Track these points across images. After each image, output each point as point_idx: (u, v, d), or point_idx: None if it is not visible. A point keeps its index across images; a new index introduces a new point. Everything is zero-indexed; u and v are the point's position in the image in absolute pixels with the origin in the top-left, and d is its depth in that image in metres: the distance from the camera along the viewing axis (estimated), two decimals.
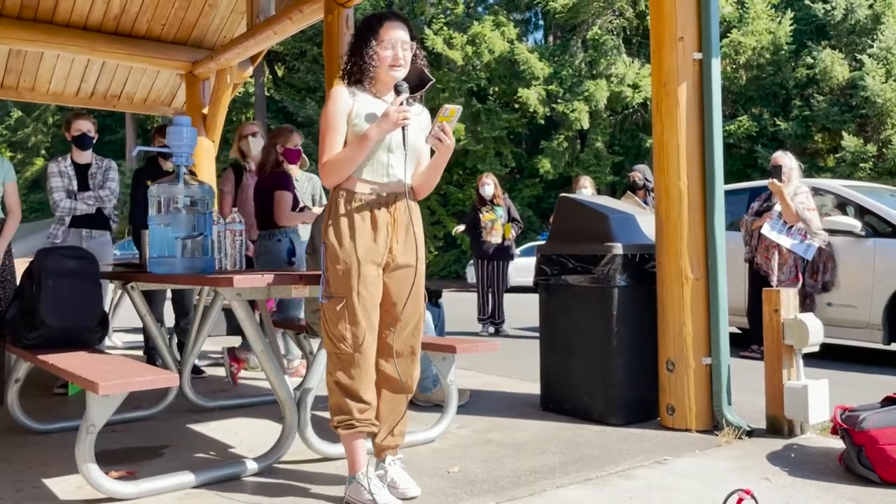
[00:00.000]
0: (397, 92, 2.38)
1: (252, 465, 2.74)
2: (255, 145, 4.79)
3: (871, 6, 18.42)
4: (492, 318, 7.69)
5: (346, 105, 2.42)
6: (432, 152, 2.51)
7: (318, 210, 4.46)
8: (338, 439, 2.53)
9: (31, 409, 3.68)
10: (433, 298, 4.28)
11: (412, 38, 2.45)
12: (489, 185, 7.58)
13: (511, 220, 7.68)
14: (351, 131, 2.41)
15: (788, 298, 3.25)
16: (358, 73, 2.46)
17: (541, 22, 28.23)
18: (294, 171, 4.61)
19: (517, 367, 5.30)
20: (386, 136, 2.38)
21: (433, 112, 2.43)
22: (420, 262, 2.50)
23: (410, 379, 2.53)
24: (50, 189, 4.60)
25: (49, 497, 2.51)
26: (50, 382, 4.59)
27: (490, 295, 7.67)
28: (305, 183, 5.15)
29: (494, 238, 7.54)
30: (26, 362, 3.27)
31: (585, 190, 6.97)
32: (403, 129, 2.37)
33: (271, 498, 2.46)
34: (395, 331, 2.48)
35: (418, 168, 2.55)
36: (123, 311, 7.10)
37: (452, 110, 2.34)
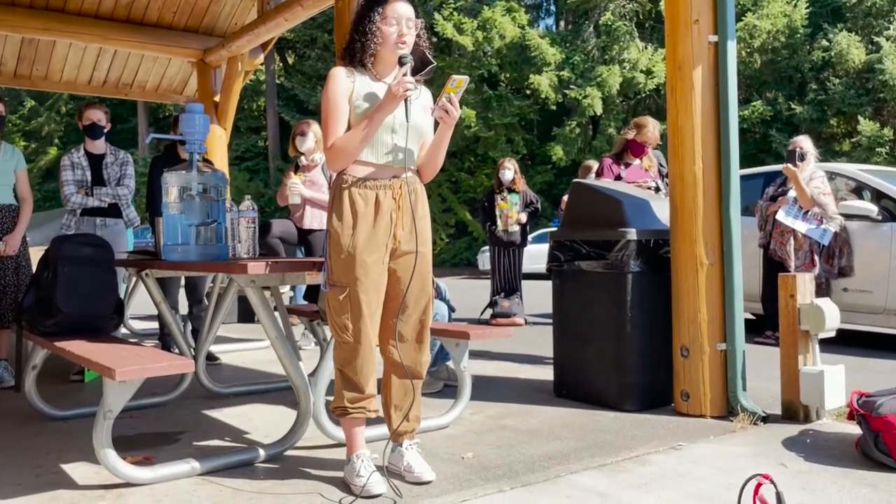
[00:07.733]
0: (401, 63, 2.33)
1: (267, 451, 2.75)
2: (302, 143, 4.95)
3: None
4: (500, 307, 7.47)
5: (346, 86, 2.36)
6: (435, 128, 2.45)
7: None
8: None
9: (48, 395, 3.72)
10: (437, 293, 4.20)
11: (416, 17, 2.40)
12: (509, 171, 7.34)
13: (527, 204, 7.44)
14: (353, 113, 2.36)
15: (805, 284, 3.23)
16: (360, 51, 2.39)
17: (552, 7, 28.05)
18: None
19: (530, 354, 5.30)
20: (390, 115, 2.33)
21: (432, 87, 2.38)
22: (424, 245, 2.45)
23: (418, 365, 2.51)
24: (61, 182, 4.61)
25: (67, 482, 2.53)
26: (66, 369, 4.63)
27: (506, 283, 7.49)
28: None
29: (511, 227, 7.35)
30: (43, 349, 3.29)
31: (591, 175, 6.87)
32: (406, 102, 2.31)
33: (286, 483, 2.48)
34: (403, 317, 2.45)
35: (422, 151, 2.50)
36: (138, 299, 7.15)
37: (460, 80, 2.28)
